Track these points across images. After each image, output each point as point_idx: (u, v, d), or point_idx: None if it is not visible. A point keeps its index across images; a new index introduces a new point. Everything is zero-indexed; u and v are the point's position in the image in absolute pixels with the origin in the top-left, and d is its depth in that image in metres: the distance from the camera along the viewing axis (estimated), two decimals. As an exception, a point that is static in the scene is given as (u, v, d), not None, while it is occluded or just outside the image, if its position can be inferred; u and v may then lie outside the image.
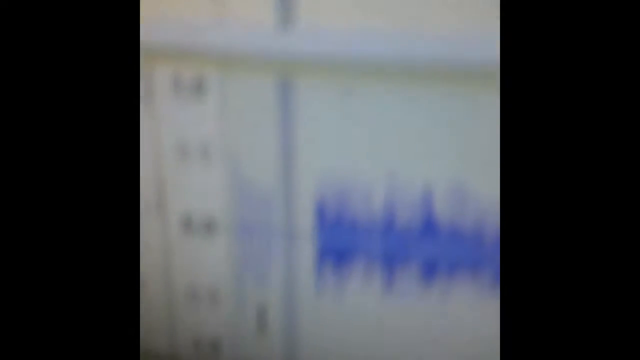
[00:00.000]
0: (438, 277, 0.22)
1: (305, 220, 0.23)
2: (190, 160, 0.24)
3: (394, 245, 0.22)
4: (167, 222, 0.25)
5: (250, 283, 0.25)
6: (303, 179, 0.23)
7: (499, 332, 0.15)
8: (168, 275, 0.26)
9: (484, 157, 0.20)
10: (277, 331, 0.25)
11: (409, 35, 0.20)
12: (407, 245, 0.22)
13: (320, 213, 0.23)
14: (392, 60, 0.20)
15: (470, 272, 0.22)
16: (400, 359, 0.24)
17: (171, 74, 0.23)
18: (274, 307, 0.25)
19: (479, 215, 0.21)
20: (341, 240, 0.23)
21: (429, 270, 0.22)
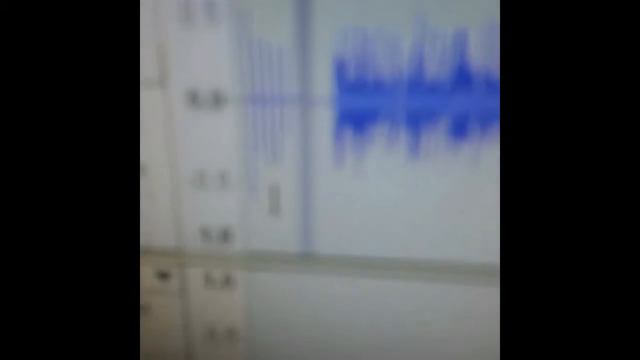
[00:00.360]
0: (469, 136, 0.21)
1: (323, 82, 0.21)
2: (195, 21, 0.22)
3: (422, 102, 0.20)
4: (171, 97, 0.23)
5: (261, 162, 0.23)
6: (321, 35, 0.21)
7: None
8: (172, 157, 0.24)
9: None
10: (291, 213, 0.24)
11: None
12: (436, 102, 0.20)
13: (339, 73, 0.21)
14: None
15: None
16: (430, 243, 0.22)
17: None
18: (288, 186, 0.23)
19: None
20: (362, 102, 0.21)
21: (460, 129, 0.20)
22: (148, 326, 0.27)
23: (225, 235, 0.25)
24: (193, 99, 0.23)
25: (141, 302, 0.26)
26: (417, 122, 0.21)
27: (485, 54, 0.19)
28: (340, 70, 0.21)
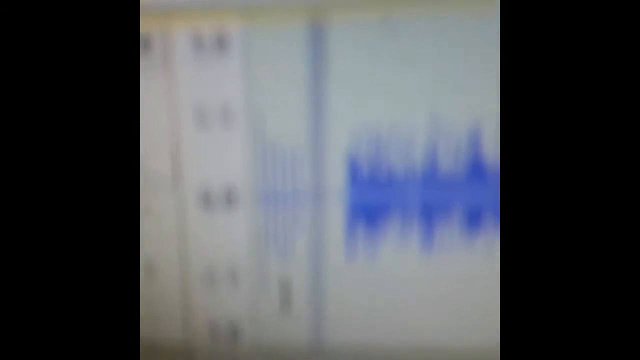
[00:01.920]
0: (483, 229, 0.21)
1: (336, 178, 0.22)
2: (210, 125, 0.22)
3: (435, 197, 0.21)
4: (184, 197, 0.23)
5: (272, 257, 0.23)
6: (334, 134, 0.21)
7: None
8: (183, 254, 0.24)
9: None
10: (302, 308, 0.24)
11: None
12: (450, 195, 0.21)
13: (353, 168, 0.22)
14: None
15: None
16: (444, 332, 0.23)
17: (190, 32, 0.22)
18: (299, 281, 0.23)
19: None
20: (375, 197, 0.22)
21: (474, 221, 0.21)
22: None
23: (235, 331, 0.25)
24: (205, 198, 0.23)
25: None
26: (430, 215, 0.21)
27: (498, 149, 0.20)
28: (353, 165, 0.21)
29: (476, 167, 0.20)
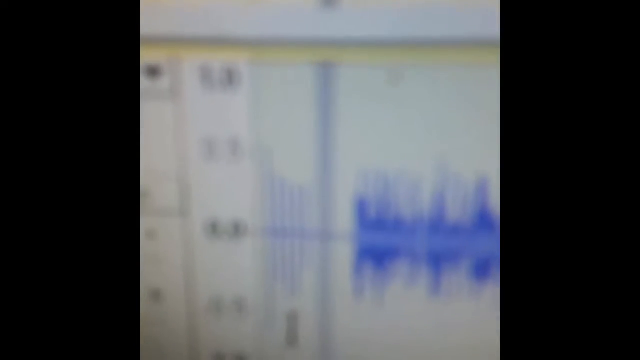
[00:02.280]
0: (491, 278, 0.21)
1: (344, 219, 0.21)
2: (219, 157, 0.22)
3: (443, 244, 0.21)
4: (191, 225, 0.23)
5: (280, 290, 0.23)
6: (342, 174, 0.21)
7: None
8: (189, 284, 0.24)
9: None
10: (309, 343, 0.23)
11: (466, 9, 0.19)
12: (458, 243, 0.20)
13: (360, 210, 0.21)
14: (446, 38, 0.19)
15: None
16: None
17: (200, 64, 0.21)
18: (306, 316, 0.23)
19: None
20: (383, 240, 0.21)
21: (482, 270, 0.21)
22: None
23: (240, 363, 0.24)
24: (213, 229, 0.23)
25: None
26: (438, 261, 0.21)
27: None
28: (361, 207, 0.21)
29: (484, 217, 0.20)
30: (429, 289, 0.21)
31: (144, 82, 0.21)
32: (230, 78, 0.21)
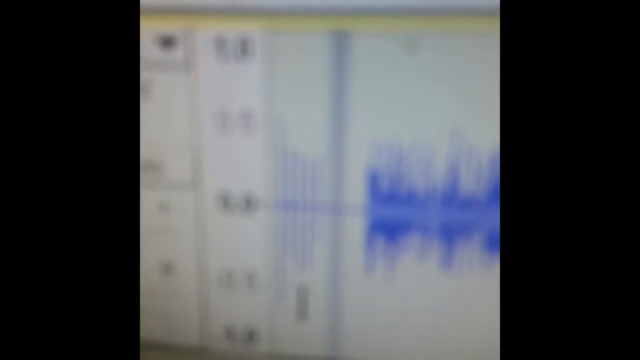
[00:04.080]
0: (503, 251, 0.20)
1: (356, 192, 0.21)
2: (231, 129, 0.22)
3: (456, 217, 0.20)
4: (203, 199, 0.23)
5: (290, 264, 0.23)
6: (355, 147, 0.21)
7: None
8: (201, 256, 0.24)
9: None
10: (319, 317, 0.23)
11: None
12: (471, 216, 0.20)
13: (373, 183, 0.21)
14: (461, 6, 0.19)
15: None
16: (459, 348, 0.22)
17: (213, 34, 0.21)
18: (317, 290, 0.23)
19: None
20: (395, 213, 0.21)
21: (495, 243, 0.20)
22: None
23: (251, 337, 0.24)
24: (225, 201, 0.23)
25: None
26: (450, 234, 0.21)
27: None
28: (373, 180, 0.21)
29: (497, 189, 0.20)
30: (440, 262, 0.21)
31: (159, 53, 0.21)
32: (244, 48, 0.21)
